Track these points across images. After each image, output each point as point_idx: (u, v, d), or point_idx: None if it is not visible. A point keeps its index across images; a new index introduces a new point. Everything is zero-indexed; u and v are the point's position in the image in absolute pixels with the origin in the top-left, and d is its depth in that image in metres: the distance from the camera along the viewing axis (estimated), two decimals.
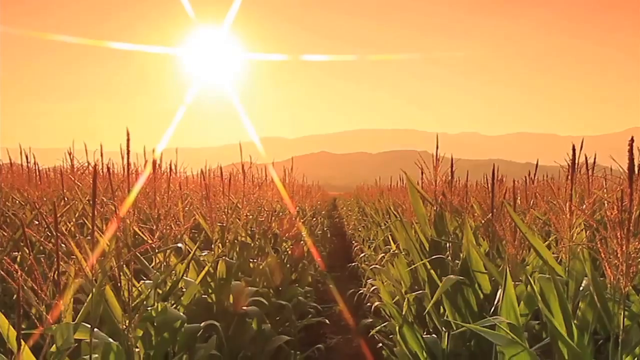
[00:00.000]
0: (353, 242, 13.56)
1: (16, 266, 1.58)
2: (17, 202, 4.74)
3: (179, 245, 2.97)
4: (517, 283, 2.71)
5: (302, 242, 6.86)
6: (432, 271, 3.91)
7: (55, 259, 1.80)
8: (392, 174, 10.17)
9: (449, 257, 3.98)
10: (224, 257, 3.83)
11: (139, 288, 2.72)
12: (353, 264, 10.95)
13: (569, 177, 2.16)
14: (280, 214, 6.58)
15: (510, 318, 2.26)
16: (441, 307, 4.12)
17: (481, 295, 3.47)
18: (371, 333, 5.41)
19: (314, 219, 11.36)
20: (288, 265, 6.06)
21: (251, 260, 5.06)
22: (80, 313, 2.05)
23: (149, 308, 2.68)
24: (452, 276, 3.29)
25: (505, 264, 2.57)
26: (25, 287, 1.95)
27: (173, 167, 4.59)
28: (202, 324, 3.27)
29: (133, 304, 2.47)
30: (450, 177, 3.94)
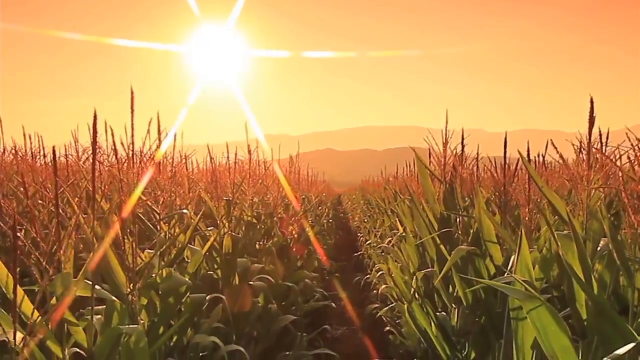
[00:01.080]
0: (358, 234, 13.52)
1: (13, 208, 1.51)
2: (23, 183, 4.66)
3: (184, 211, 2.91)
4: (530, 250, 2.64)
5: (307, 230, 6.79)
6: (441, 246, 3.83)
7: (55, 209, 1.73)
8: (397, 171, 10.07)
9: (459, 233, 3.91)
10: (229, 232, 3.76)
11: (142, 257, 2.65)
12: (359, 253, 10.89)
13: (587, 132, 2.09)
14: (286, 200, 6.51)
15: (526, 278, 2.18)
16: (450, 287, 4.05)
17: (492, 269, 3.39)
18: (379, 314, 5.34)
19: (320, 208, 11.30)
20: (294, 249, 5.99)
21: (257, 242, 4.99)
22: (82, 269, 1.99)
23: (153, 274, 2.61)
24: (463, 246, 3.22)
25: (520, 226, 2.49)
26: (26, 244, 1.89)
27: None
28: (207, 297, 3.21)
29: (137, 269, 2.41)
30: (460, 151, 3.86)
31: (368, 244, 9.23)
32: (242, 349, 2.91)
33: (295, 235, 5.99)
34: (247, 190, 4.77)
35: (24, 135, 5.64)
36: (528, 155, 2.79)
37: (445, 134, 4.13)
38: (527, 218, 2.64)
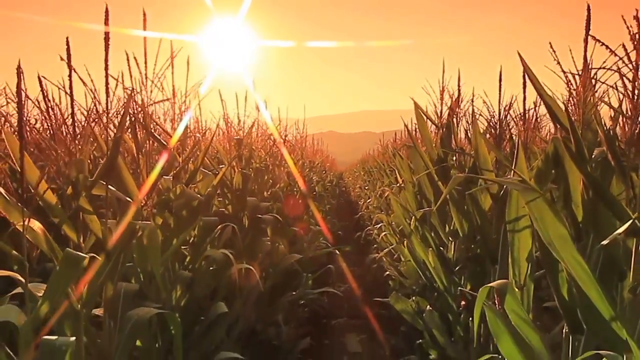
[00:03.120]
0: (359, 202, 13.49)
1: None
2: None
3: (197, 135, 2.83)
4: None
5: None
6: (439, 182, 3.75)
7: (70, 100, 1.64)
8: None
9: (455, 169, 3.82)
10: (240, 170, 3.68)
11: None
12: (359, 214, 10.86)
13: (584, 38, 1.99)
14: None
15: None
16: (446, 226, 3.97)
17: (489, 200, 3.30)
18: (379, 255, 5.28)
19: (324, 173, 11.25)
20: (300, 201, 5.91)
21: (265, 191, 4.92)
22: (97, 172, 1.91)
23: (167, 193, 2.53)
24: (460, 174, 3.13)
25: (518, 141, 2.40)
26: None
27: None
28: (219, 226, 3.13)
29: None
30: (457, 94, 3.76)
31: (368, 202, 9.17)
32: (252, 268, 2.84)
33: (302, 187, 5.91)
34: (257, 141, 4.69)
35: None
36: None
37: (442, 81, 4.04)
38: (522, 137, 2.55)
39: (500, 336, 2.10)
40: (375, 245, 7.47)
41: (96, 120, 1.81)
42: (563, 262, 1.73)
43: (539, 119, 2.74)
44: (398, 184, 5.83)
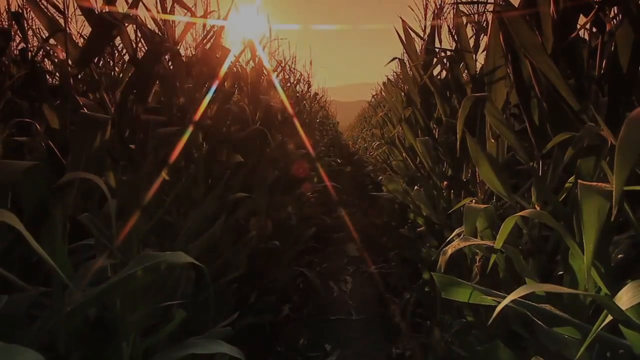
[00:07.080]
0: (355, 146, 13.36)
1: None
2: None
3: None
4: None
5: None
6: (426, 80, 3.63)
7: None
8: None
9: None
10: (254, 67, 3.57)
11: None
12: (354, 151, 10.77)
13: None
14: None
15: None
16: (431, 123, 3.88)
17: (470, 84, 3.19)
18: (374, 154, 5.21)
19: (325, 110, 11.11)
20: (307, 121, 5.82)
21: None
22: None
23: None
24: (442, 56, 3.02)
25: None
26: None
27: None
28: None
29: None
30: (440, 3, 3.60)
31: (364, 133, 9.06)
32: (266, 130, 2.77)
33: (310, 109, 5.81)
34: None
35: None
36: None
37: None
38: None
39: (479, 162, 2.04)
40: (369, 166, 7.40)
41: None
42: (536, 65, 1.66)
43: None
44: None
